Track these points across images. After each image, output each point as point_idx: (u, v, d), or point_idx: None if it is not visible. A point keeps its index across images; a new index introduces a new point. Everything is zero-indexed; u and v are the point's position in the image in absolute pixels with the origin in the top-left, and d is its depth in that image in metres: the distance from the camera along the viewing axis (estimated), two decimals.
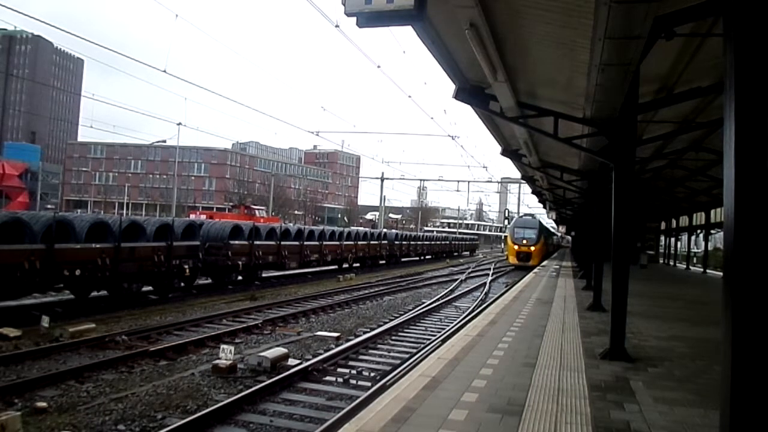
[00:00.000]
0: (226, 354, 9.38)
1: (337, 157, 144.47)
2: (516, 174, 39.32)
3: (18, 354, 9.63)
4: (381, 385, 8.29)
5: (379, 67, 21.10)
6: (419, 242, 47.59)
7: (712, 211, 27.48)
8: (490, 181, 67.90)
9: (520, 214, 50.88)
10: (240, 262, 20.37)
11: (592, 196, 17.05)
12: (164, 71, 22.04)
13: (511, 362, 6.84)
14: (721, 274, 6.91)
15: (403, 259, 41.86)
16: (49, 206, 66.87)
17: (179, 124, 45.09)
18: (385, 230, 46.14)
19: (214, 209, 77.60)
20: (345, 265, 30.72)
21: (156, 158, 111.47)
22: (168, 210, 71.56)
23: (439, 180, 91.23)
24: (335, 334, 12.75)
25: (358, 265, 32.31)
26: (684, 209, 31.36)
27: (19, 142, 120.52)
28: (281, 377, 8.56)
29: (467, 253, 68.22)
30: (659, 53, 6.75)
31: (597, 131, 8.97)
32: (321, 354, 10.44)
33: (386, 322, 14.62)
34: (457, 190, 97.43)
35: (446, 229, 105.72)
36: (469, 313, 16.56)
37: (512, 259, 40.58)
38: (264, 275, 23.80)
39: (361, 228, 51.97)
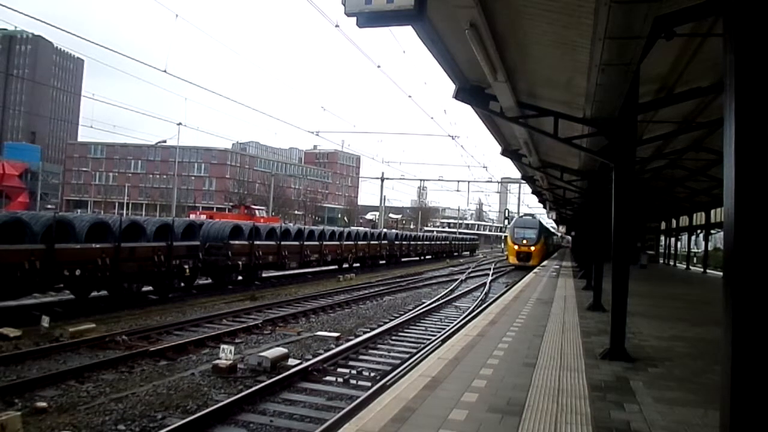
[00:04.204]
0: (226, 354, 9.39)
1: (337, 157, 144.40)
2: (516, 174, 39.34)
3: (18, 354, 9.63)
4: (381, 385, 8.29)
5: (379, 67, 21.12)
6: (419, 242, 47.57)
7: (712, 211, 27.48)
8: (490, 181, 67.94)
9: (520, 214, 50.87)
10: (240, 262, 20.37)
11: (592, 196, 17.05)
12: (164, 71, 22.09)
13: (511, 362, 6.84)
14: (721, 274, 6.90)
15: (403, 259, 41.86)
16: (49, 206, 66.94)
17: (179, 124, 45.09)
18: (385, 230, 46.10)
19: (214, 209, 77.63)
20: (345, 265, 30.72)
21: (156, 158, 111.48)
22: (168, 210, 71.59)
23: (439, 180, 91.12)
24: (335, 334, 12.75)
25: (358, 265, 32.30)
26: (684, 209, 31.36)
27: (19, 142, 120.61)
28: (281, 377, 8.56)
29: (467, 253, 68.23)
30: (659, 53, 6.75)
31: (597, 131, 8.98)
32: (321, 354, 10.45)
33: (386, 322, 14.62)
34: (457, 190, 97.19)
35: (446, 229, 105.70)
36: (469, 313, 16.56)
37: (512, 259, 40.58)
38: (264, 275, 23.79)
39: (361, 228, 51.94)
